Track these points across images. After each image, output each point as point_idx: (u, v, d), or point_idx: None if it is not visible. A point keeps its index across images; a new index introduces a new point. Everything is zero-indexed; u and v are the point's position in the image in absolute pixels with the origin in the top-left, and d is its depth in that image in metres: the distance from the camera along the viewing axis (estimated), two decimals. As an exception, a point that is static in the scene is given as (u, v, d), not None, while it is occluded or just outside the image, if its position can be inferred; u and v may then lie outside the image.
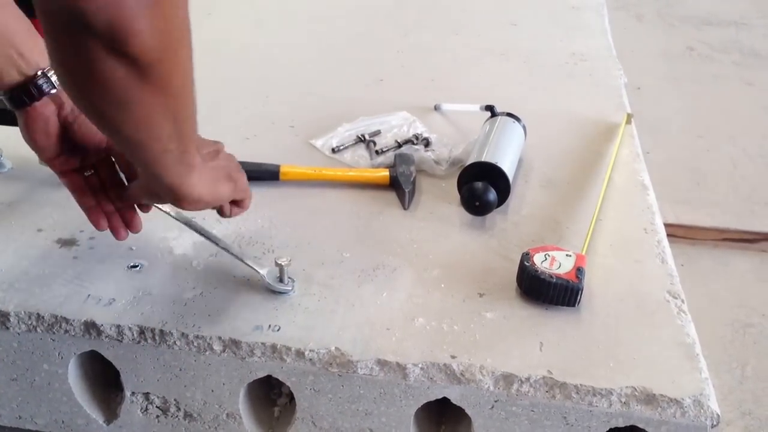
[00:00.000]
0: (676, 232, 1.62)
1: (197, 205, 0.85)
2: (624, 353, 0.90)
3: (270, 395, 1.02)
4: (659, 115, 2.14)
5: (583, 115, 1.46)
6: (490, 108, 1.35)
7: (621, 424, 0.86)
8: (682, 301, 0.99)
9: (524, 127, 1.28)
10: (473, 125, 1.32)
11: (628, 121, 1.42)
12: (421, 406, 0.91)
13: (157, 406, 0.97)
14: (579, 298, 0.95)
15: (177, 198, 0.82)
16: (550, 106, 1.50)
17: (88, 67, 0.61)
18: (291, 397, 0.94)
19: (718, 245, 1.66)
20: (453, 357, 0.88)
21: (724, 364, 1.35)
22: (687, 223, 1.67)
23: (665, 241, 1.11)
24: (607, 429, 0.87)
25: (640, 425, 0.86)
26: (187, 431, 0.98)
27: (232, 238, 1.06)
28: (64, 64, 0.63)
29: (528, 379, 0.87)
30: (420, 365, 0.88)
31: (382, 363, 0.88)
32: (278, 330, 0.91)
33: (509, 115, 1.28)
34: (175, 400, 0.95)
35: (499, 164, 1.13)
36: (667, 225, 1.20)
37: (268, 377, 0.92)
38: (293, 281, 0.97)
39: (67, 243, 1.05)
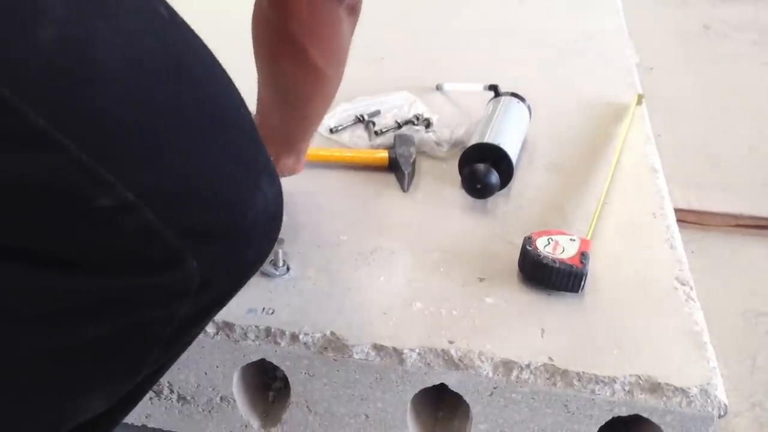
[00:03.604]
0: (687, 218, 1.62)
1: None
2: (629, 341, 0.91)
3: (264, 379, 1.04)
4: (672, 97, 2.13)
5: (591, 95, 1.47)
6: (493, 88, 1.36)
7: (624, 413, 0.87)
8: (691, 288, 1.00)
9: (529, 108, 1.29)
10: (476, 106, 1.33)
11: (639, 102, 1.43)
12: (419, 392, 0.92)
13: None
14: (583, 283, 0.96)
15: (296, 166, 1.06)
16: (557, 86, 1.50)
17: (336, 22, 0.84)
18: (286, 382, 0.96)
19: (731, 231, 1.66)
20: (451, 342, 0.90)
21: (734, 353, 1.36)
22: (699, 208, 1.67)
23: (674, 226, 1.12)
24: (610, 418, 0.88)
25: (644, 414, 0.87)
26: (180, 414, 1.00)
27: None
28: (317, 21, 0.83)
29: (528, 365, 0.88)
30: (417, 350, 0.89)
31: (378, 348, 0.90)
32: (272, 313, 0.93)
33: (513, 95, 1.29)
34: (168, 382, 0.97)
35: (501, 146, 1.14)
36: (677, 210, 1.20)
37: (263, 361, 0.93)
38: (288, 264, 0.99)
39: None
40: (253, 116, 1.01)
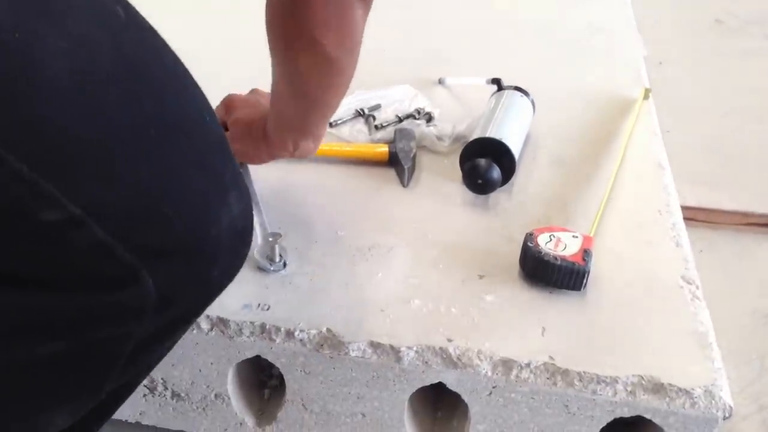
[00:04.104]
0: (697, 216, 1.62)
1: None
2: (632, 340, 0.91)
3: (260, 377, 1.04)
4: (682, 92, 2.12)
5: (597, 90, 1.46)
6: (496, 81, 1.36)
7: (626, 414, 0.87)
8: (697, 287, 1.00)
9: (533, 102, 1.29)
10: (479, 100, 1.33)
11: (646, 97, 1.43)
12: (417, 391, 0.92)
13: (144, 385, 0.98)
14: (585, 281, 0.96)
15: (314, 148, 1.03)
16: (562, 79, 1.50)
17: (349, 10, 0.83)
18: (281, 379, 0.96)
19: (741, 230, 1.66)
20: (449, 340, 0.90)
21: (742, 355, 1.35)
22: (708, 206, 1.67)
23: (681, 224, 1.12)
24: (612, 419, 0.88)
25: (647, 416, 0.87)
26: (175, 411, 1.00)
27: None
28: (330, 10, 0.82)
29: (528, 364, 0.88)
30: (414, 348, 0.89)
31: (375, 345, 0.90)
32: (268, 309, 0.93)
33: (517, 89, 1.29)
34: (162, 379, 0.97)
35: (503, 140, 1.14)
36: (686, 208, 1.20)
37: (259, 358, 0.94)
38: (284, 259, 0.99)
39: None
40: (264, 107, 1.03)
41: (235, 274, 0.72)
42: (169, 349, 0.74)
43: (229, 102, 1.10)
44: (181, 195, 0.62)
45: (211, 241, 0.65)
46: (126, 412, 1.01)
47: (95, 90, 0.57)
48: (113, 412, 0.76)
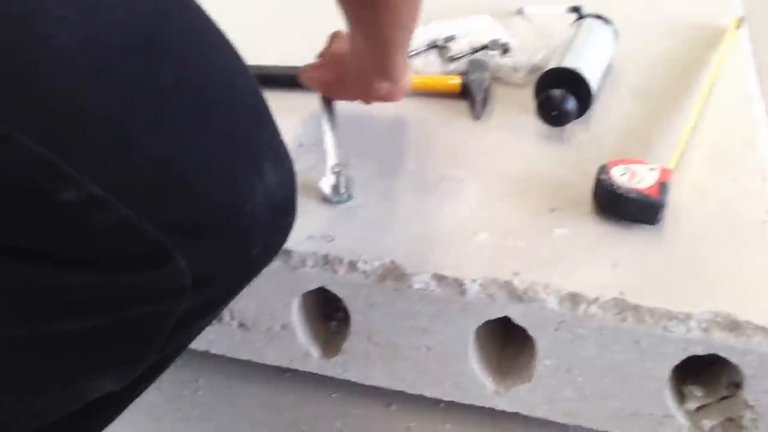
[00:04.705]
0: (792, 153, 1.55)
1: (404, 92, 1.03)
2: (708, 276, 0.89)
3: (327, 309, 1.06)
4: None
5: (686, 18, 1.40)
6: (576, 9, 1.32)
7: (700, 352, 0.85)
8: (783, 223, 0.96)
9: (615, 31, 1.25)
10: (560, 30, 1.29)
11: (738, 26, 1.37)
12: (484, 325, 0.92)
13: (211, 314, 1.02)
14: (660, 215, 0.94)
15: (390, 91, 1.00)
16: (648, 6, 1.44)
17: None
18: (348, 312, 0.97)
19: None
20: (515, 274, 0.89)
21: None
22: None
23: (769, 159, 1.08)
24: (686, 357, 0.86)
25: (722, 354, 0.85)
26: (241, 341, 1.03)
27: (290, 146, 1.09)
28: None
29: (596, 299, 0.86)
30: (479, 281, 0.89)
31: (438, 278, 0.90)
32: (331, 240, 0.94)
33: (598, 16, 1.25)
34: (228, 308, 1.00)
35: (579, 70, 1.11)
36: (779, 144, 1.15)
37: (326, 291, 0.95)
38: (350, 191, 1.00)
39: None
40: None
41: (279, 249, 0.70)
42: (209, 322, 0.74)
43: (335, 35, 1.11)
44: (209, 169, 0.60)
45: (245, 217, 0.62)
46: (196, 340, 1.04)
47: (107, 60, 0.54)
48: (153, 381, 0.76)
